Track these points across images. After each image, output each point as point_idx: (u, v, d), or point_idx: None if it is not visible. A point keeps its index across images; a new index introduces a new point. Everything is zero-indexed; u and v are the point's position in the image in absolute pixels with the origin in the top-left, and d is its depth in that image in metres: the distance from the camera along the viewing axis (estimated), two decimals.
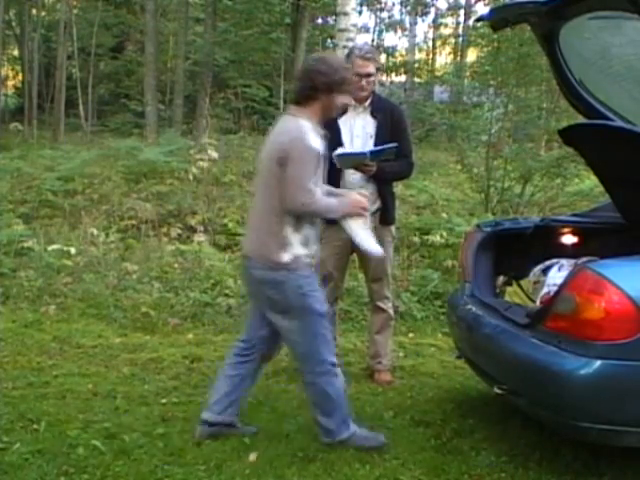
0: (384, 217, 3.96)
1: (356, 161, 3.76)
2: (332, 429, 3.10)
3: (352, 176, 3.85)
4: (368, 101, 3.91)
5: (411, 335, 5.06)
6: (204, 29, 15.11)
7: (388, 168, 3.81)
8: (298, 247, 2.97)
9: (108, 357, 4.34)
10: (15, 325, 4.83)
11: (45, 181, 7.92)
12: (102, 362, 4.25)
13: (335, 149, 3.71)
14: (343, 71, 3.04)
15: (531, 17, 3.27)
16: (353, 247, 4.05)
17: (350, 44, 7.62)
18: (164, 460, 2.95)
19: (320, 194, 2.96)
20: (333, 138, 3.81)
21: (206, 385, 3.92)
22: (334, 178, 3.88)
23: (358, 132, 3.88)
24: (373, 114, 3.90)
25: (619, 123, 3.30)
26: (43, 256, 5.86)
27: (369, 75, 3.83)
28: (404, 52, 24.07)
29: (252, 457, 3.01)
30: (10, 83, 21.92)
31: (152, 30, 13.84)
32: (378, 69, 3.92)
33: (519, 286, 3.61)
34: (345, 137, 3.86)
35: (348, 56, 3.92)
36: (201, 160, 7.97)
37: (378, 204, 3.91)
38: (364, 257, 4.06)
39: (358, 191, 3.31)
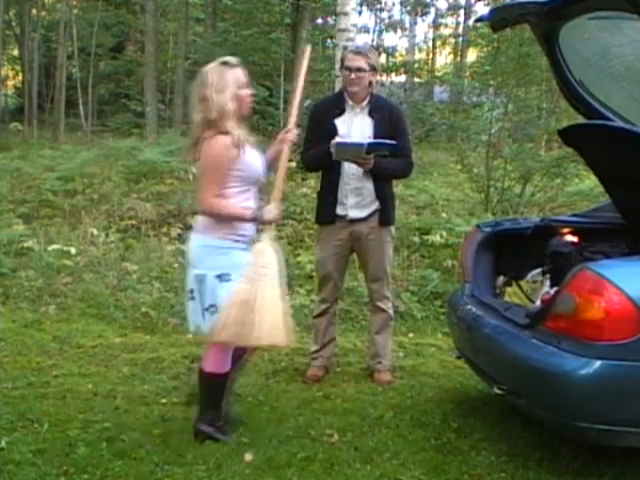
0: (383, 218, 3.95)
1: (353, 153, 3.76)
2: None
3: (353, 170, 3.86)
4: (366, 101, 3.91)
5: (411, 335, 5.06)
6: (204, 29, 15.12)
7: (386, 164, 3.81)
8: None
9: (108, 357, 4.34)
10: (15, 325, 4.83)
11: (45, 181, 7.92)
12: (102, 362, 4.25)
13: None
14: None
15: (531, 17, 3.27)
16: (353, 247, 4.06)
17: (350, 44, 7.64)
18: (164, 460, 2.95)
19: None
20: (331, 139, 3.82)
21: None
22: (334, 172, 3.89)
23: (355, 133, 3.87)
24: (371, 114, 3.90)
25: (619, 123, 3.30)
26: (43, 256, 5.86)
27: (359, 70, 3.83)
28: (404, 52, 24.05)
29: (248, 457, 3.00)
30: (10, 83, 21.92)
31: (152, 30, 13.84)
32: (374, 68, 3.91)
33: (519, 286, 3.61)
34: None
35: (343, 54, 4.02)
36: None
37: (377, 205, 3.90)
38: (364, 257, 4.07)
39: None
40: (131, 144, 9.86)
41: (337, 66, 8.02)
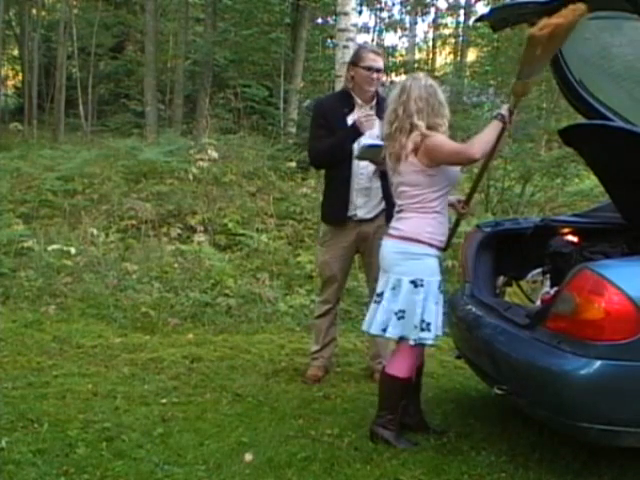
0: (390, 218, 3.94)
1: (376, 153, 3.77)
2: None
3: (362, 169, 3.87)
4: (374, 101, 3.93)
5: None
6: (204, 29, 15.10)
7: None
8: None
9: (108, 357, 4.34)
10: (15, 325, 4.83)
11: (45, 181, 7.92)
12: (102, 362, 4.25)
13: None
14: None
15: (531, 17, 3.26)
16: (358, 248, 4.05)
17: (350, 44, 7.64)
18: (164, 460, 2.95)
19: None
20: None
21: (206, 385, 3.93)
22: (344, 171, 3.89)
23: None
24: (378, 113, 3.91)
25: (619, 123, 3.30)
26: (43, 256, 5.86)
27: (379, 70, 3.91)
28: (404, 52, 24.07)
29: (248, 457, 3.00)
30: (10, 83, 21.90)
31: (152, 30, 13.82)
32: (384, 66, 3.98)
33: (519, 286, 3.61)
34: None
35: (357, 53, 3.99)
36: (201, 160, 7.98)
37: (383, 205, 3.90)
38: (368, 257, 4.06)
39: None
40: (131, 144, 9.84)
41: (337, 66, 8.04)
